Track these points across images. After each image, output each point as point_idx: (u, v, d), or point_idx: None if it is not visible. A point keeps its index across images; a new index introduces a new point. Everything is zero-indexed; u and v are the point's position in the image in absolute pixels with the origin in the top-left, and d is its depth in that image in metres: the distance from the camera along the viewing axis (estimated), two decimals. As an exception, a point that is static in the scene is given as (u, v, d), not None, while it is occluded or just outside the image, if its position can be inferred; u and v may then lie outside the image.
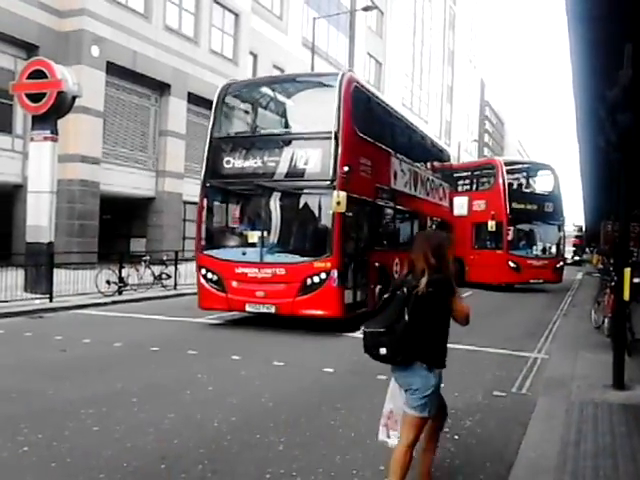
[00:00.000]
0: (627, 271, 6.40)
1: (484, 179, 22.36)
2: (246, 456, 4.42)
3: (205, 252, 10.72)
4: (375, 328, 3.48)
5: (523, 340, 10.05)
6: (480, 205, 21.20)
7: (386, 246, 12.52)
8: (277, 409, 5.66)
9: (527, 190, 23.00)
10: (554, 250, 21.84)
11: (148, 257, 16.24)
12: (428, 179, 16.28)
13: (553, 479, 3.93)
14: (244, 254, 10.30)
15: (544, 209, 21.44)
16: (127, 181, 22.61)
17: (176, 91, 23.84)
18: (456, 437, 4.96)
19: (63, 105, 13.52)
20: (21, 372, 6.86)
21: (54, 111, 13.40)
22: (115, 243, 22.77)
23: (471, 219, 21.31)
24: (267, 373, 7.19)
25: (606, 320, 9.78)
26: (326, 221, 10.02)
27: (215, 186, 10.97)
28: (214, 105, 11.29)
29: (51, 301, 12.35)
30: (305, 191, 10.46)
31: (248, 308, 10.20)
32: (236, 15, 27.68)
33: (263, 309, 10.08)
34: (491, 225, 19.96)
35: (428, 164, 16.80)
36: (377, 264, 11.45)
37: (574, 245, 55.23)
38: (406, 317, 3.36)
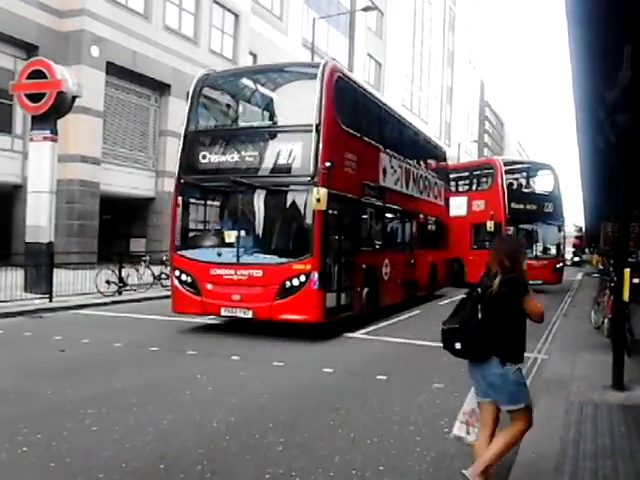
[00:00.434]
0: (627, 272, 6.40)
1: (483, 179, 22.29)
2: (245, 456, 4.42)
3: (179, 252, 10.23)
4: (451, 325, 3.75)
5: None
6: (479, 205, 21.15)
7: (375, 246, 12.09)
8: (276, 409, 5.65)
9: (527, 190, 22.86)
10: (554, 251, 21.76)
11: (148, 257, 16.26)
12: (421, 176, 15.71)
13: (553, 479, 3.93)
14: (219, 255, 9.75)
15: (544, 209, 21.36)
16: (127, 181, 22.61)
17: (176, 91, 23.83)
18: (455, 437, 4.96)
19: (63, 105, 13.52)
20: (20, 372, 6.86)
21: (54, 111, 13.40)
22: (115, 243, 22.75)
23: (470, 219, 21.28)
24: (266, 373, 7.19)
25: (606, 321, 9.79)
26: (307, 220, 9.44)
27: (190, 183, 10.44)
28: (190, 96, 10.77)
29: (51, 301, 12.35)
30: (284, 188, 9.90)
31: (223, 312, 9.67)
32: (236, 15, 27.70)
33: (239, 313, 9.51)
34: (490, 225, 19.87)
35: (422, 161, 16.28)
36: (364, 266, 10.98)
37: (574, 246, 55.24)
38: (479, 315, 3.63)
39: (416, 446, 4.72)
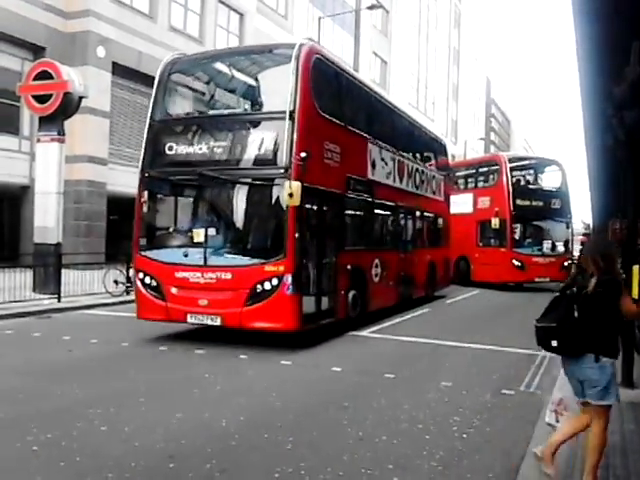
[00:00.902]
0: (635, 269, 6.36)
1: (488, 176, 22.00)
2: (254, 455, 4.43)
3: (143, 253, 9.30)
4: (546, 323, 3.90)
5: (531, 338, 9.97)
6: (485, 202, 20.83)
7: (362, 245, 11.08)
8: (285, 408, 5.66)
9: (533, 186, 22.55)
10: (561, 248, 21.37)
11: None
12: (417, 170, 14.62)
13: (562, 478, 3.92)
14: (186, 255, 8.81)
15: (551, 206, 21.01)
16: (133, 181, 22.56)
17: (182, 91, 23.85)
18: (465, 436, 4.96)
19: (69, 106, 13.57)
20: (30, 372, 6.90)
21: (61, 112, 13.45)
22: (122, 243, 22.78)
23: (476, 217, 21.02)
24: (274, 372, 7.20)
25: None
26: (280, 217, 8.47)
27: (155, 176, 9.58)
28: (156, 83, 9.84)
29: (59, 301, 12.41)
30: (257, 181, 8.98)
31: (190, 319, 8.73)
32: (241, 15, 27.70)
33: (207, 320, 8.59)
34: (494, 222, 19.55)
35: (418, 154, 15.25)
36: (350, 266, 10.06)
37: (582, 243, 54.94)
38: (575, 314, 3.75)
39: (425, 444, 4.72)
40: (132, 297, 13.97)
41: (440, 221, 17.05)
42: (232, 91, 10.73)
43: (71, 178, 18.63)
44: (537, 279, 19.99)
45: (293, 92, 8.56)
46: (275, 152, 8.55)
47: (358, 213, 11.26)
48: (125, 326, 10.56)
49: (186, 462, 4.23)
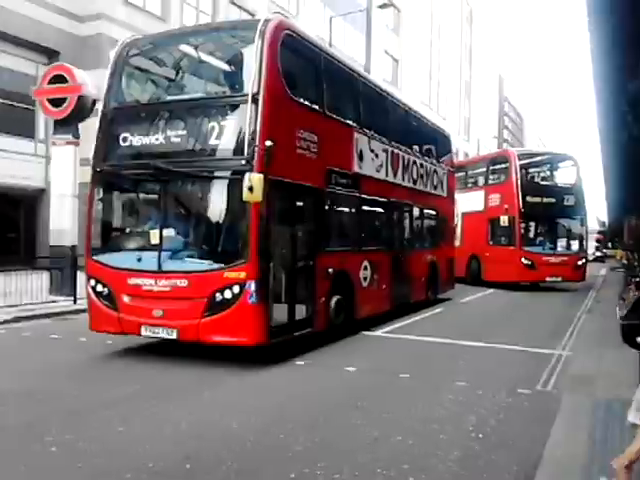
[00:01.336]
0: (652, 266, 6.29)
1: (498, 172, 21.24)
2: (269, 456, 4.44)
3: (95, 258, 8.28)
4: (632, 321, 3.98)
5: (547, 337, 9.93)
6: (495, 200, 20.23)
7: (348, 246, 10.05)
8: (299, 408, 5.67)
9: (545, 182, 21.84)
10: (575, 246, 20.55)
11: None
12: (415, 163, 13.40)
13: (581, 478, 3.89)
14: (139, 260, 7.83)
15: (564, 202, 20.17)
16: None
17: (194, 93, 23.96)
18: (480, 435, 4.93)
19: (84, 109, 13.67)
20: (47, 374, 6.97)
21: (75, 115, 13.56)
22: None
23: (487, 214, 20.46)
24: (288, 372, 7.21)
25: (631, 316, 9.63)
26: (242, 216, 7.44)
27: (108, 172, 8.49)
28: (110, 68, 8.87)
29: (75, 303, 12.51)
30: (217, 175, 7.90)
31: (144, 331, 7.73)
32: (252, 15, 27.75)
33: (162, 333, 7.61)
34: (503, 220, 19.04)
35: (416, 146, 13.92)
36: (331, 270, 9.02)
37: (597, 241, 54.37)
38: None
39: (441, 444, 4.70)
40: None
41: (442, 218, 15.80)
42: (195, 74, 9.71)
43: (86, 181, 18.77)
44: (548, 279, 19.38)
45: (257, 73, 7.54)
46: (237, 141, 7.51)
47: (342, 210, 10.25)
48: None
49: (202, 463, 4.25)
